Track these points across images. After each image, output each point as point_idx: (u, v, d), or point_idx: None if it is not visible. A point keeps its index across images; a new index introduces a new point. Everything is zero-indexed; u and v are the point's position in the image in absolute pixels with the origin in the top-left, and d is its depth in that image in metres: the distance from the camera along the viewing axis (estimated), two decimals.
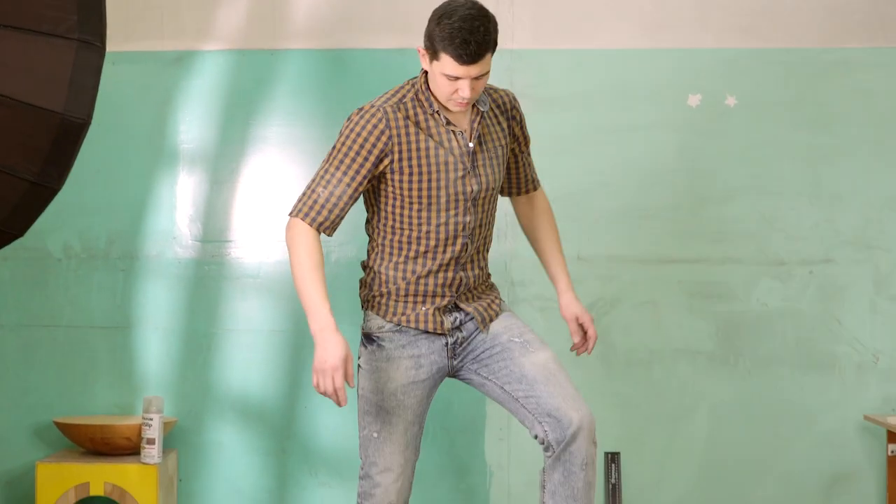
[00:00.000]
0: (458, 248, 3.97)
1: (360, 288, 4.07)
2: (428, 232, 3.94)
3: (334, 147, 3.90)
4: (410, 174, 3.89)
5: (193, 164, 5.42)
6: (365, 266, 4.06)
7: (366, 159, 3.86)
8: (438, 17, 3.80)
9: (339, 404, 3.77)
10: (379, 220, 3.99)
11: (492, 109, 4.04)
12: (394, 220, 3.95)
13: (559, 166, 5.35)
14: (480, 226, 4.01)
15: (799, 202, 5.35)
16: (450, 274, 3.99)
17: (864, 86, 5.34)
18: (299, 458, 5.38)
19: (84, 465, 5.03)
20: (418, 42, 3.94)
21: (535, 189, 4.27)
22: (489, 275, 4.13)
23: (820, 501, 5.32)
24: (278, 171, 5.40)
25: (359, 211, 4.14)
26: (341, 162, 3.86)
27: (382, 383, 3.97)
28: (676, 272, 5.36)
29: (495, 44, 3.84)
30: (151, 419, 5.00)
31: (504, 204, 5.34)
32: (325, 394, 3.77)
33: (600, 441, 5.28)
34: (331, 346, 3.75)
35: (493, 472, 5.36)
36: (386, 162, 3.88)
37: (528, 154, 4.21)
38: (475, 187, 3.95)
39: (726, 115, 5.35)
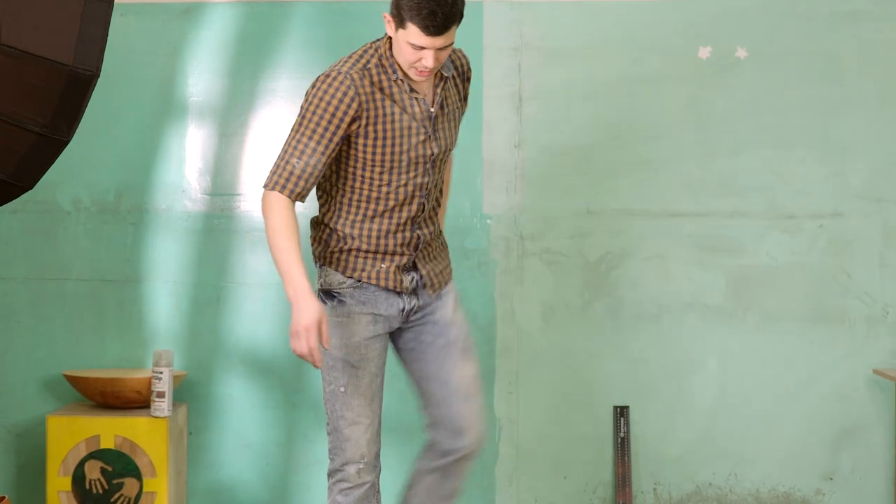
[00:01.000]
0: (414, 207, 4.05)
1: (314, 244, 4.14)
2: (388, 193, 4.01)
3: (303, 115, 3.93)
4: (375, 138, 3.95)
5: (202, 117, 5.41)
6: (318, 222, 4.12)
7: (338, 127, 3.91)
8: None
9: (315, 365, 3.87)
10: (338, 179, 4.05)
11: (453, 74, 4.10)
12: (353, 179, 4.01)
13: (567, 119, 5.34)
14: (435, 185, 4.09)
15: (808, 155, 5.33)
16: (407, 233, 4.07)
17: (874, 37, 5.31)
18: (308, 411, 5.39)
19: (94, 418, 5.05)
20: None
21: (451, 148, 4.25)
22: (441, 231, 4.22)
23: (829, 455, 5.33)
24: (287, 123, 5.37)
25: None
26: (314, 131, 3.90)
27: (346, 338, 4.04)
28: (685, 225, 5.35)
29: (461, 15, 3.88)
30: (161, 372, 5.01)
31: (511, 158, 5.33)
32: (301, 356, 3.87)
33: (610, 394, 5.31)
34: (305, 308, 3.83)
35: (502, 426, 5.37)
36: (353, 126, 3.94)
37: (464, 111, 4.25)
38: (434, 150, 4.03)
39: (736, 68, 5.33)
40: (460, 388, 4.15)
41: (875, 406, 5.31)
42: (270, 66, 5.39)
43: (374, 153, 3.98)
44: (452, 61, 4.09)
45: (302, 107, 3.95)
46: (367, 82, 3.93)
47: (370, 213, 4.04)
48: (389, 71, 3.96)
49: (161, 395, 5.02)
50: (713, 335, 5.35)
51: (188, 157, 5.42)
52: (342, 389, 4.03)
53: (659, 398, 5.36)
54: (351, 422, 4.04)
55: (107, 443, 5.03)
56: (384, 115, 3.95)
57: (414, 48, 3.86)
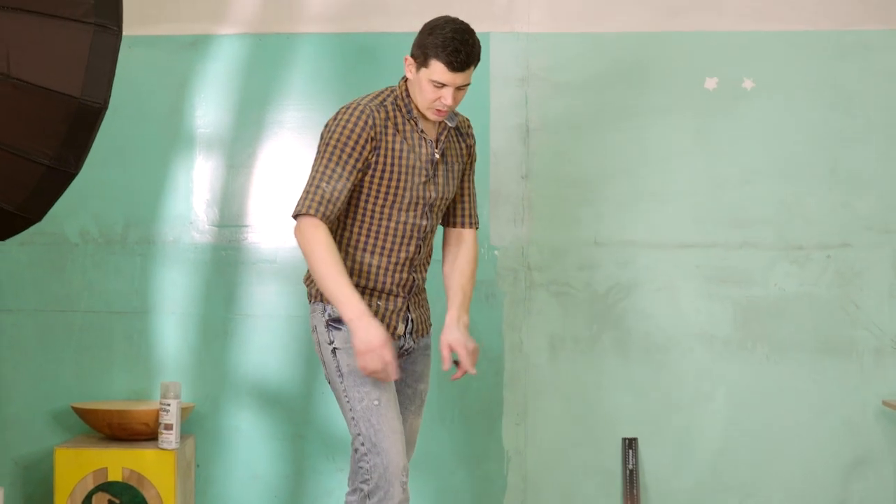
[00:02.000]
0: (412, 248, 4.24)
1: (309, 282, 4.29)
2: (388, 227, 4.21)
3: (327, 143, 4.15)
4: (383, 171, 4.16)
5: (210, 149, 5.42)
6: None
7: (360, 154, 4.13)
8: (430, 29, 4.13)
9: (388, 378, 4.07)
10: (343, 214, 4.22)
11: (455, 128, 4.34)
12: (357, 211, 4.21)
13: (575, 150, 5.34)
14: (432, 231, 4.31)
15: (816, 186, 5.33)
16: (405, 274, 4.26)
17: (882, 68, 5.31)
18: (316, 443, 5.38)
19: (102, 450, 5.04)
20: None
21: (471, 226, 4.46)
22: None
23: (838, 487, 5.31)
24: (295, 155, 5.39)
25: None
26: (339, 157, 4.12)
27: None
28: (693, 257, 5.34)
29: (479, 59, 4.16)
30: (169, 404, 5.00)
31: (518, 189, 5.34)
32: (374, 372, 4.04)
33: (619, 425, 5.29)
34: (371, 329, 4.03)
35: (510, 458, 5.36)
36: (371, 157, 4.15)
37: (473, 185, 4.47)
38: (433, 194, 4.25)
39: (744, 99, 5.33)
40: (408, 437, 4.34)
41: (885, 437, 5.30)
42: (277, 97, 5.40)
43: (379, 184, 4.16)
44: (455, 115, 4.33)
45: (324, 136, 4.17)
46: (382, 115, 4.16)
47: (369, 246, 4.20)
48: (404, 110, 4.20)
49: (169, 427, 5.01)
50: (722, 367, 5.33)
51: (196, 188, 5.42)
52: (376, 402, 4.12)
53: (668, 430, 5.34)
54: (389, 432, 4.11)
55: (114, 475, 5.02)
56: (393, 149, 4.16)
57: (435, 86, 4.11)
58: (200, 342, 5.41)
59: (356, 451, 4.15)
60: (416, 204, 4.21)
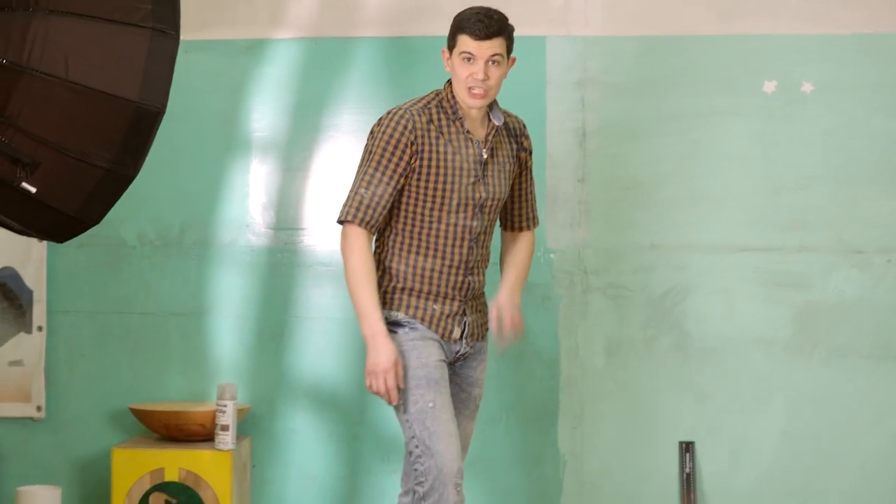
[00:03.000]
0: (465, 250, 4.23)
1: None
2: (438, 230, 4.20)
3: (370, 150, 4.18)
4: (428, 173, 4.16)
5: (266, 152, 5.44)
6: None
7: (401, 158, 4.14)
8: (458, 14, 4.19)
9: (390, 402, 4.11)
10: (391, 218, 4.23)
11: (504, 128, 4.31)
12: (405, 215, 4.21)
13: (631, 153, 5.32)
14: (485, 233, 4.30)
15: (876, 189, 5.28)
16: (460, 277, 4.25)
17: None
18: (372, 444, 5.39)
19: (159, 450, 5.07)
20: None
21: (529, 228, 4.47)
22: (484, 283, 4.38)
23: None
24: (350, 158, 5.39)
25: None
26: (378, 163, 4.15)
27: (425, 357, 4.18)
28: (751, 260, 5.31)
29: (510, 34, 4.18)
30: (225, 406, 5.02)
31: (575, 193, 5.32)
32: (377, 393, 4.12)
33: (676, 429, 5.27)
34: (383, 350, 4.10)
35: (566, 461, 5.34)
36: (414, 161, 4.16)
37: (531, 186, 4.45)
38: (483, 194, 4.22)
39: (802, 102, 5.29)
40: (461, 441, 4.29)
41: None
42: (333, 101, 5.41)
43: (426, 187, 4.16)
44: (506, 116, 4.32)
45: (367, 142, 4.20)
46: (424, 119, 4.16)
47: (421, 249, 4.20)
48: (449, 112, 4.20)
49: (225, 428, 5.03)
50: (779, 371, 5.30)
51: (252, 191, 5.44)
52: (431, 405, 4.12)
53: (725, 434, 5.31)
54: (444, 435, 4.10)
55: (171, 475, 5.04)
56: (437, 151, 4.16)
57: (465, 62, 4.11)
58: (256, 344, 5.43)
59: (410, 453, 4.16)
60: (466, 205, 4.20)
